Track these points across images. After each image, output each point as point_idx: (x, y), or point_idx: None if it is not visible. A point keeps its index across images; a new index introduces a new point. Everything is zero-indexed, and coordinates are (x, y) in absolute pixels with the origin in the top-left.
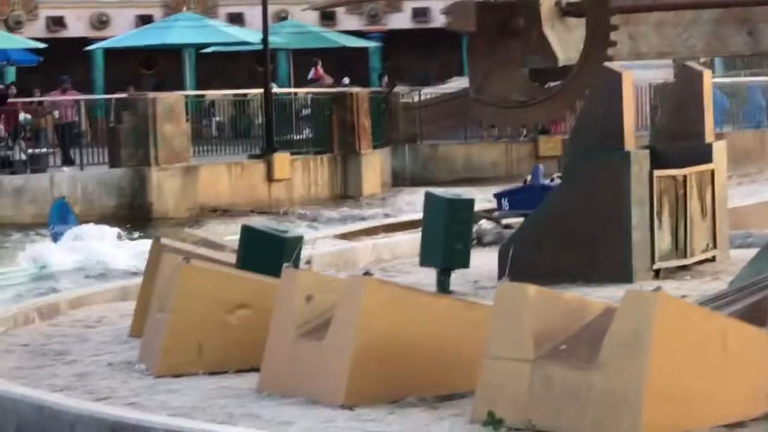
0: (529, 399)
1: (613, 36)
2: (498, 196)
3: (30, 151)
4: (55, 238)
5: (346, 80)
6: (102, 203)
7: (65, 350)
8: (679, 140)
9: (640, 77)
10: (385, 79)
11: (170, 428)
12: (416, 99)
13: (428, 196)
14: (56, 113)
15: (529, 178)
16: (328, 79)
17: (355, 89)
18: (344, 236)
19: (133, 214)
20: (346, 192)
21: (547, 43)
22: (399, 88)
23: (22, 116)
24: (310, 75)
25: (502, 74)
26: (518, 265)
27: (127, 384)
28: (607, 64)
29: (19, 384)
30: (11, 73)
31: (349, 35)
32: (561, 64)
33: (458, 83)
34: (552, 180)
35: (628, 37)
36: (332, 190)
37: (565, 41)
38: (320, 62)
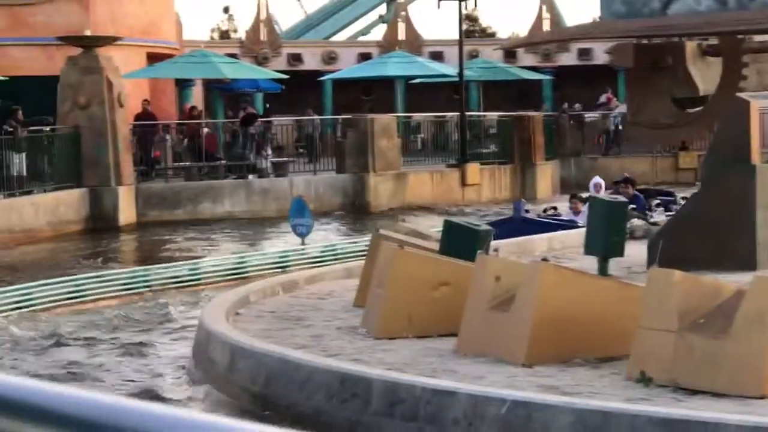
0: (673, 362)
1: (744, 71)
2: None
3: (273, 159)
4: (294, 229)
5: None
6: (330, 201)
7: (303, 317)
8: None
9: (765, 105)
10: (565, 105)
11: (387, 380)
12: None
13: (592, 198)
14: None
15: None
16: (615, 103)
17: (532, 113)
18: None
19: (355, 210)
20: (524, 195)
21: (691, 77)
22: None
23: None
24: (602, 99)
25: (653, 102)
26: (664, 254)
27: (352, 344)
28: (738, 94)
29: (268, 342)
30: (259, 99)
31: (527, 70)
32: (701, 94)
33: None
34: (545, 212)
35: (756, 72)
36: (513, 194)
37: (705, 75)
38: (610, 90)
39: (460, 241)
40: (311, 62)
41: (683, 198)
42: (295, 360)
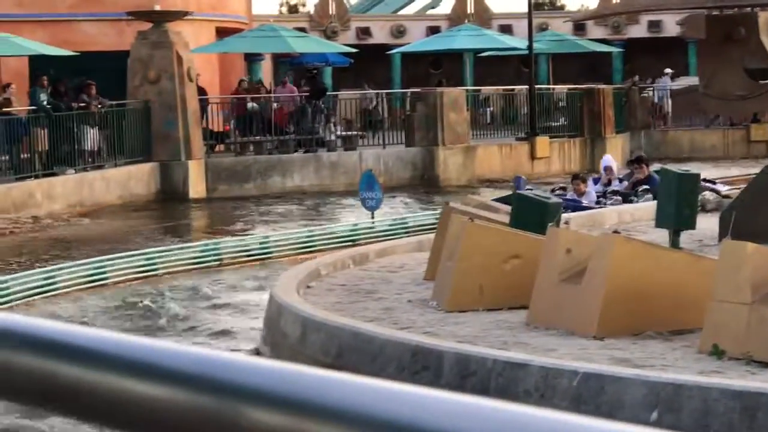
0: (746, 335)
1: None
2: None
3: (342, 133)
4: (364, 202)
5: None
6: (399, 175)
7: (374, 290)
8: None
9: None
10: (635, 78)
11: (459, 352)
12: (651, 94)
13: (663, 171)
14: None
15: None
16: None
17: (601, 85)
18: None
19: (424, 184)
20: (593, 168)
21: (763, 47)
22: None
23: (250, 105)
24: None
25: (725, 73)
26: (736, 226)
27: (423, 317)
28: None
29: (340, 315)
30: (328, 72)
31: (596, 42)
32: None
33: (685, 81)
34: (552, 191)
35: None
36: (582, 167)
37: None
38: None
39: (530, 214)
40: (380, 36)
41: (704, 180)
42: (367, 332)
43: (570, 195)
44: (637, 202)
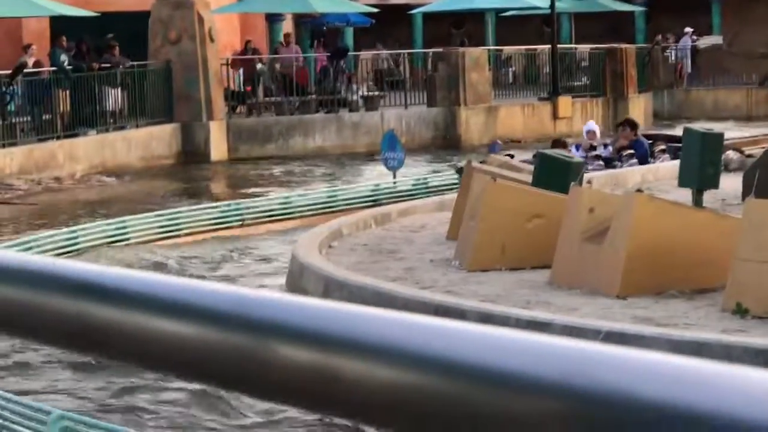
0: None
1: None
2: (458, 172)
3: (364, 93)
4: (386, 162)
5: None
6: (421, 135)
7: (396, 249)
8: None
9: None
10: (658, 37)
11: (481, 311)
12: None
13: (686, 130)
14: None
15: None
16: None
17: (624, 45)
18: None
19: (446, 144)
20: (616, 129)
21: None
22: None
23: (259, 66)
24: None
25: (750, 32)
26: (760, 185)
27: (445, 276)
28: None
29: (362, 275)
30: (349, 33)
31: (619, 2)
32: None
33: (709, 40)
34: (534, 156)
35: None
36: (605, 127)
37: None
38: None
39: (553, 173)
40: None
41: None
42: (389, 292)
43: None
44: (621, 167)
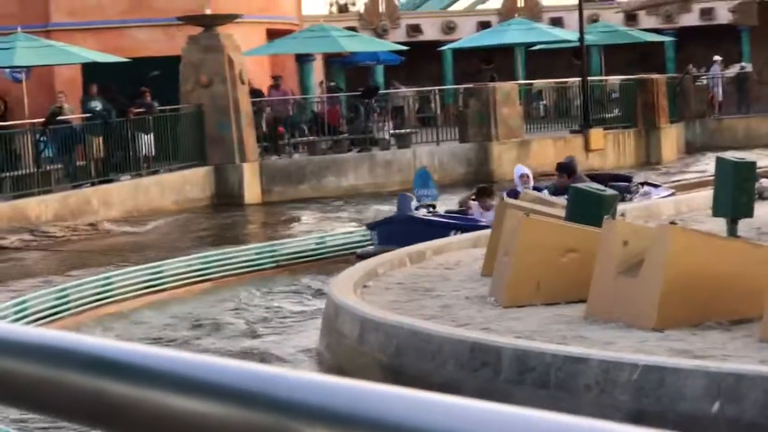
0: None
1: None
2: (371, 228)
3: (394, 131)
4: (419, 199)
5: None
6: (454, 171)
7: (431, 287)
8: None
9: None
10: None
11: (517, 347)
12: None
13: (719, 159)
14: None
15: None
16: None
17: (655, 75)
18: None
19: (479, 179)
20: (648, 159)
21: None
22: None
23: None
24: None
25: None
26: None
27: (481, 313)
28: None
29: (398, 314)
30: (380, 71)
31: (648, 32)
32: None
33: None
34: (460, 205)
35: None
36: (637, 158)
37: None
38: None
39: (586, 207)
40: (430, 32)
41: (642, 184)
42: (425, 330)
43: (476, 213)
44: None
